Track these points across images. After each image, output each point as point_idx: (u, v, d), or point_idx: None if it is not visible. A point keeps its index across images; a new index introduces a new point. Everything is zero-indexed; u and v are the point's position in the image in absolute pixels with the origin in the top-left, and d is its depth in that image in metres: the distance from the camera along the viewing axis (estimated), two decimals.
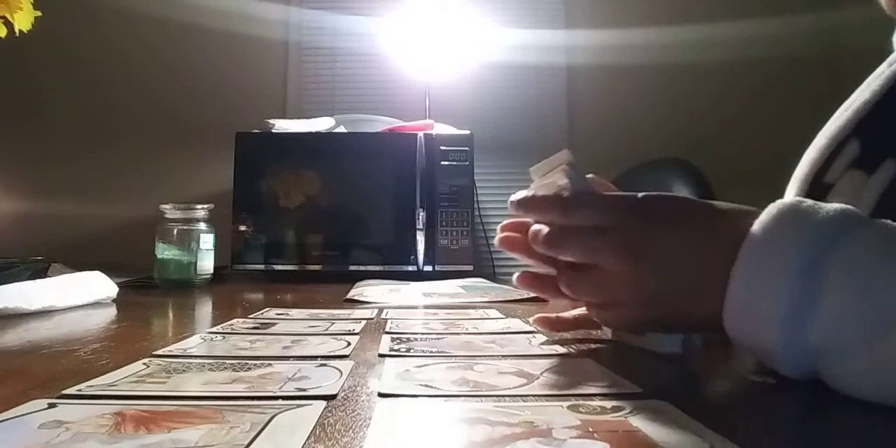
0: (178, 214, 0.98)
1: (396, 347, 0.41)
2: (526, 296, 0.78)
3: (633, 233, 0.35)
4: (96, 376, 0.31)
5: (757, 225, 0.31)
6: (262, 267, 1.20)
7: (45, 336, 0.48)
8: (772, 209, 0.32)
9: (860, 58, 0.50)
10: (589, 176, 0.42)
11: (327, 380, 0.31)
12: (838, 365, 0.29)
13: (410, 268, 1.20)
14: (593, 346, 0.43)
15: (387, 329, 0.50)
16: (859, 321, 0.28)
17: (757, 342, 0.31)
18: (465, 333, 0.48)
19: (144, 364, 0.35)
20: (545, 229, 0.38)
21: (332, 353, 0.39)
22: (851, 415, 0.27)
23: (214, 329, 0.49)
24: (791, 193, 0.49)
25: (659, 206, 0.36)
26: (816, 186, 0.47)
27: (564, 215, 0.37)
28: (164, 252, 0.96)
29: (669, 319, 0.36)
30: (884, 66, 0.47)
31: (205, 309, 0.74)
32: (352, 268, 1.20)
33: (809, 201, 0.32)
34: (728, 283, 0.31)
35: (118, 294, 0.72)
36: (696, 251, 0.34)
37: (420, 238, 1.20)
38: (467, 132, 1.29)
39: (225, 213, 1.16)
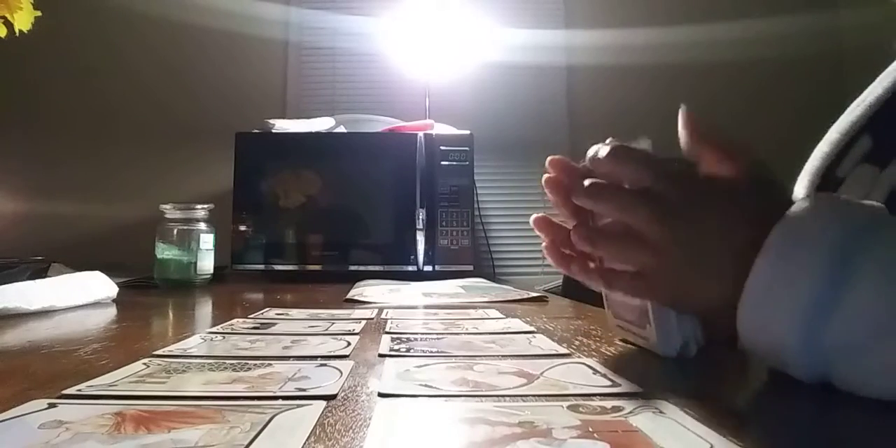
0: (178, 214, 0.98)
1: (396, 347, 0.41)
2: (526, 296, 0.78)
3: (674, 200, 0.35)
4: (96, 376, 0.31)
5: (788, 216, 0.31)
6: (262, 267, 1.20)
7: (45, 336, 0.48)
8: (803, 202, 0.32)
9: (860, 58, 0.50)
10: None
11: (327, 380, 0.31)
12: (854, 362, 0.28)
13: (410, 268, 1.20)
14: (593, 345, 0.43)
15: (387, 329, 0.50)
16: (882, 317, 0.27)
17: (770, 337, 0.31)
18: (465, 333, 0.48)
19: (144, 364, 0.34)
20: (589, 180, 0.37)
21: (332, 353, 0.39)
22: (853, 415, 0.27)
23: (214, 329, 0.49)
24: (801, 187, 0.50)
25: (706, 180, 0.36)
26: (828, 180, 0.47)
27: (614, 163, 0.37)
28: (164, 252, 0.96)
29: (681, 297, 0.36)
30: (895, 64, 0.47)
31: (205, 309, 0.74)
32: (352, 268, 1.20)
33: (843, 196, 0.32)
34: (751, 271, 0.31)
35: (118, 294, 0.72)
36: (730, 232, 0.33)
37: (420, 238, 1.20)
38: (467, 132, 1.29)
39: (225, 213, 1.16)
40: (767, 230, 0.31)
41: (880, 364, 0.27)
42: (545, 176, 0.41)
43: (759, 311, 0.31)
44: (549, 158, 0.41)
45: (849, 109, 0.49)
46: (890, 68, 0.48)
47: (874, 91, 0.47)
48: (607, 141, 0.40)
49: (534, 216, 0.43)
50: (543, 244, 0.43)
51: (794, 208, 0.32)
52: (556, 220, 0.43)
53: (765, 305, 0.31)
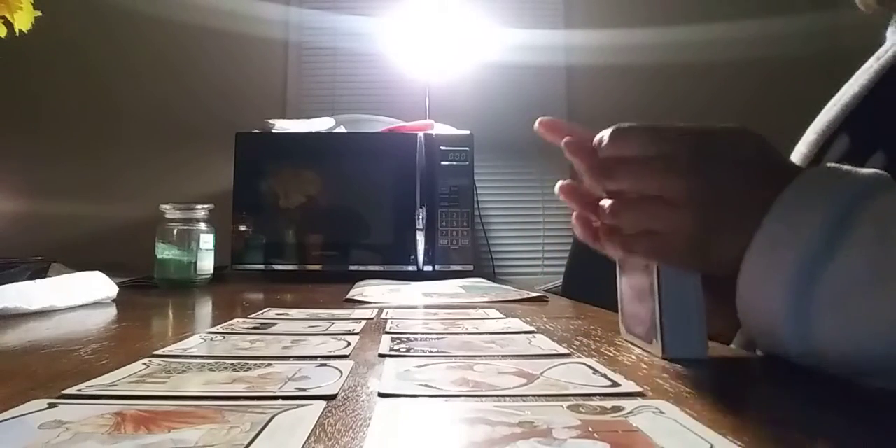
0: (178, 214, 0.98)
1: (396, 347, 0.41)
2: (526, 296, 0.78)
3: (686, 157, 0.35)
4: (96, 376, 0.31)
5: (796, 181, 0.32)
6: (262, 267, 1.20)
7: (45, 336, 0.48)
8: (813, 168, 0.33)
9: (860, 58, 0.50)
10: None
11: (327, 380, 0.31)
12: (842, 312, 0.29)
13: (410, 268, 1.20)
14: (593, 345, 0.43)
15: (387, 329, 0.50)
16: (872, 264, 0.28)
17: (763, 298, 0.31)
18: (465, 333, 0.48)
19: (144, 364, 0.34)
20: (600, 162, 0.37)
21: (332, 353, 0.39)
22: (853, 415, 0.27)
23: (214, 329, 0.49)
24: None
25: (709, 136, 0.36)
26: None
27: (617, 146, 0.37)
28: (164, 252, 0.96)
29: (699, 254, 0.36)
30: (871, 60, 0.47)
31: (205, 309, 0.74)
32: (352, 268, 1.20)
33: (846, 166, 0.33)
34: (755, 234, 0.32)
35: (118, 294, 0.72)
36: (744, 185, 0.34)
37: (420, 238, 1.20)
38: (467, 132, 1.29)
39: (225, 213, 1.16)
40: (774, 186, 0.32)
41: (861, 317, 0.28)
42: (564, 140, 0.40)
43: (757, 271, 0.32)
44: (538, 121, 0.41)
45: (825, 109, 0.49)
46: (865, 66, 0.48)
47: (849, 90, 0.47)
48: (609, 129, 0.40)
49: (559, 183, 0.42)
50: (574, 213, 0.42)
51: (802, 174, 0.33)
52: (579, 186, 0.42)
53: (763, 266, 0.32)
